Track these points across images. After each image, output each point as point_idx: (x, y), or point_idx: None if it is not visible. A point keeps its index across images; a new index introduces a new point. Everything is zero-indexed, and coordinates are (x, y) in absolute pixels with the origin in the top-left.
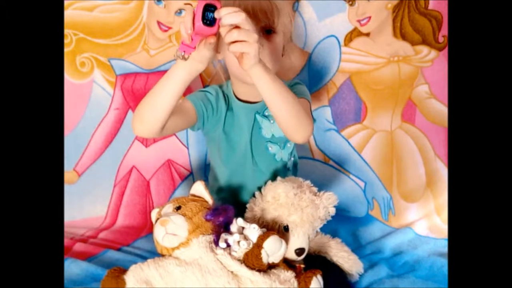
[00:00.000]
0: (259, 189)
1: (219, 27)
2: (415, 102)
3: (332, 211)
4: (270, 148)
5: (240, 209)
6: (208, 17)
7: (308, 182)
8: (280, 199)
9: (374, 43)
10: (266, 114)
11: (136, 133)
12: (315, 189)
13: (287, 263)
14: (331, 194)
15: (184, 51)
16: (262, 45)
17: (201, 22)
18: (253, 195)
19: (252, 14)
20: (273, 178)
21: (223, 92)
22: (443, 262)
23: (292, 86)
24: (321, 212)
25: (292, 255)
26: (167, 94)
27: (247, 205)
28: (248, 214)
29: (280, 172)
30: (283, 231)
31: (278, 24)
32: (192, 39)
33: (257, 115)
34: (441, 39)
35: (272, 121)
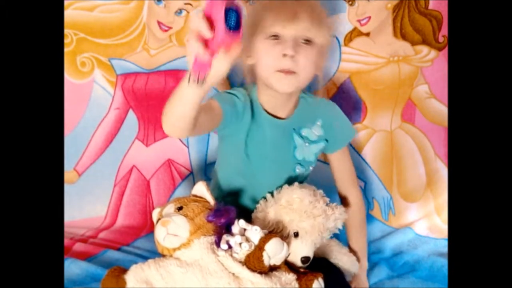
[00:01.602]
0: (271, 193)
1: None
2: (415, 102)
3: (340, 225)
4: (297, 170)
5: (241, 212)
6: (232, 21)
7: (321, 191)
8: (294, 204)
9: (374, 43)
10: (303, 134)
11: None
12: (327, 199)
13: (288, 265)
14: (343, 208)
15: (199, 72)
16: (296, 53)
17: (225, 28)
18: (263, 197)
19: (294, 18)
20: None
21: (250, 98)
22: (443, 262)
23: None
24: (331, 224)
25: (297, 262)
26: (182, 113)
27: (257, 205)
28: (258, 214)
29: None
30: (292, 237)
31: (317, 35)
32: (210, 53)
33: (294, 135)
34: (441, 39)
35: (307, 144)
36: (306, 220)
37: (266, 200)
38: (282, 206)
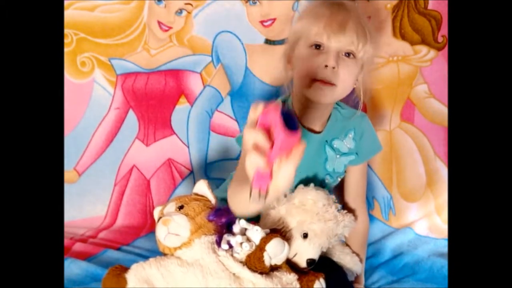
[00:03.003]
0: None
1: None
2: (414, 102)
3: (348, 233)
4: (327, 180)
5: None
6: (289, 123)
7: (333, 196)
8: (307, 205)
9: None
10: (335, 146)
11: None
12: (338, 205)
13: (289, 264)
14: (353, 217)
15: (260, 188)
16: (337, 65)
17: (286, 130)
18: None
19: (340, 31)
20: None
21: None
22: (443, 263)
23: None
24: (340, 230)
25: (302, 264)
26: (249, 212)
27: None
28: (268, 210)
29: None
30: (301, 238)
31: (360, 50)
32: (271, 164)
33: (327, 147)
34: (440, 39)
35: (338, 155)
36: (317, 223)
37: (278, 198)
38: (295, 205)
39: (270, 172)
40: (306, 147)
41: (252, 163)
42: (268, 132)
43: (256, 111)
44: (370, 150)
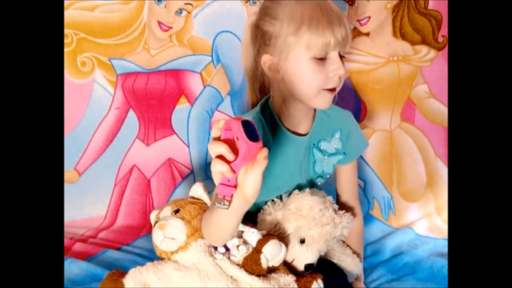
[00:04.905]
0: (279, 196)
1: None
2: (414, 102)
3: (347, 233)
4: (319, 183)
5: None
6: (250, 133)
7: (330, 197)
8: (303, 211)
9: (373, 43)
10: (322, 148)
11: None
12: (336, 206)
13: (287, 266)
14: (351, 216)
15: (225, 195)
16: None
17: (248, 140)
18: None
19: (343, 40)
20: None
21: (267, 118)
22: (443, 263)
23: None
24: (338, 232)
25: (301, 269)
26: (225, 235)
27: (264, 207)
28: (264, 216)
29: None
30: (298, 243)
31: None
32: (234, 171)
33: (314, 150)
34: (440, 39)
35: (325, 156)
36: (314, 228)
37: (274, 203)
38: (291, 211)
39: (235, 181)
40: (293, 152)
41: (216, 170)
42: (231, 145)
43: (218, 127)
44: (358, 148)
